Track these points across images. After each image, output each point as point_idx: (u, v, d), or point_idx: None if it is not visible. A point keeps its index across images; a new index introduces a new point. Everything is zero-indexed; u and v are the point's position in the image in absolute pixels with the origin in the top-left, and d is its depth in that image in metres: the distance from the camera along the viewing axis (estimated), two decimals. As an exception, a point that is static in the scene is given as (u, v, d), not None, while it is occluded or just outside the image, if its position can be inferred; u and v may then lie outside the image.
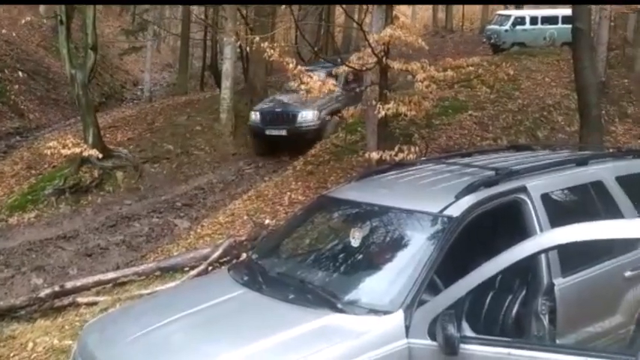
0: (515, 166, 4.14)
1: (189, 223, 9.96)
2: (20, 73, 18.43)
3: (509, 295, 3.70)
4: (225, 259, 7.04)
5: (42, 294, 6.70)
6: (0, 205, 10.86)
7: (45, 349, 5.51)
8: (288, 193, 9.45)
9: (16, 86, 18.03)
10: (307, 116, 12.70)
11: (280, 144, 12.88)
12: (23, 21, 18.98)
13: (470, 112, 11.77)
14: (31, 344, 5.65)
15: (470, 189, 3.72)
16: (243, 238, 7.48)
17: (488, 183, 3.80)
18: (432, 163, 4.79)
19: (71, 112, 15.89)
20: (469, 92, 12.46)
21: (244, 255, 6.60)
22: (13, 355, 5.52)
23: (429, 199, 3.85)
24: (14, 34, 20.77)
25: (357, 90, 11.82)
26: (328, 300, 3.41)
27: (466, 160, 4.70)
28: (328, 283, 3.70)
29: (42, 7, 23.43)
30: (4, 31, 19.78)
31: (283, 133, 12.67)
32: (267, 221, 8.17)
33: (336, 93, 11.93)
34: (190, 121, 14.35)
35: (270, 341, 3.13)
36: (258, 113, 13.14)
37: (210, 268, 6.88)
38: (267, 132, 12.81)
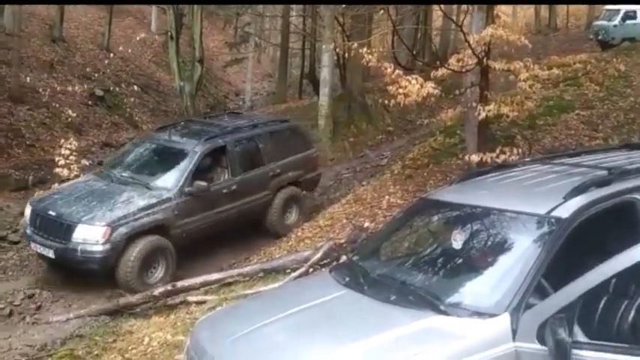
0: (629, 166, 3.94)
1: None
2: (135, 87, 19.68)
3: (624, 301, 3.52)
4: (325, 261, 7.15)
5: (156, 292, 7.10)
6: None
7: (159, 343, 5.85)
8: (387, 197, 9.42)
9: (131, 99, 19.25)
10: (88, 233, 7.58)
11: (52, 268, 8.12)
12: (138, 38, 20.31)
13: (577, 111, 11.24)
14: (147, 339, 6.01)
15: (580, 189, 3.57)
16: (343, 241, 7.56)
17: (601, 183, 3.64)
18: (537, 164, 4.65)
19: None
20: (575, 91, 11.90)
21: (344, 257, 6.68)
22: (131, 349, 5.90)
23: (535, 201, 3.74)
24: (129, 51, 22.21)
25: (213, 188, 8.53)
26: (430, 301, 3.39)
27: (575, 159, 4.51)
28: (430, 284, 3.68)
29: (153, 25, 24.96)
30: (120, 48, 21.20)
31: (50, 254, 7.76)
32: (366, 224, 8.20)
33: (164, 196, 8.08)
34: (290, 128, 14.63)
35: (372, 341, 3.16)
36: (30, 209, 8.28)
37: (311, 270, 7.02)
38: (33, 245, 8.07)
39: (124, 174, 8.78)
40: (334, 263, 6.46)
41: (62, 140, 10.01)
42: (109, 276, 7.65)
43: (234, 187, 8.95)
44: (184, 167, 8.47)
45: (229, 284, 7.21)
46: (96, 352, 5.94)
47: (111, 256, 7.61)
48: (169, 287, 7.14)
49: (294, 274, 7.01)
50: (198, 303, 6.79)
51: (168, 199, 8.17)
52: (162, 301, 7.05)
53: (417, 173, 10.07)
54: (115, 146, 15.82)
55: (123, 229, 7.67)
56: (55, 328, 6.65)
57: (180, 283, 7.25)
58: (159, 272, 7.95)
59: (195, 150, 8.63)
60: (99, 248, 7.56)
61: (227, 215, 8.82)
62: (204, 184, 8.40)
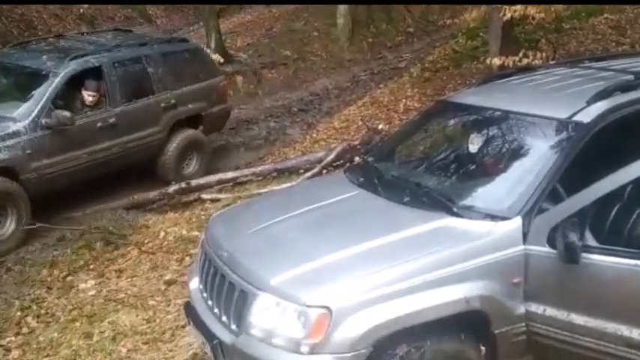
0: (657, 71, 3.79)
1: (305, 127, 10.14)
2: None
3: (638, 208, 3.50)
4: (338, 162, 7.19)
5: (171, 190, 7.22)
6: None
7: (175, 238, 6.00)
8: (404, 100, 9.30)
9: (145, -9, 18.65)
10: None
11: None
12: None
13: (605, 15, 10.79)
14: (162, 233, 6.16)
15: (604, 94, 3.47)
16: (357, 143, 7.55)
17: (626, 87, 3.52)
18: (562, 67, 4.49)
19: (194, 18, 16.31)
20: (607, -7, 11.38)
21: (357, 159, 6.69)
22: (148, 242, 6.06)
23: (556, 104, 3.65)
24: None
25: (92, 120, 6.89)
26: (444, 203, 3.39)
27: (600, 64, 4.35)
28: (444, 187, 3.68)
29: None
30: None
31: None
32: (381, 127, 8.16)
33: (10, 129, 6.35)
34: (307, 26, 14.27)
35: (385, 240, 3.19)
36: None
37: (324, 171, 7.06)
38: None
39: None
40: (347, 164, 6.47)
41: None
42: None
43: (112, 119, 7.13)
44: (41, 93, 6.58)
45: (243, 183, 7.30)
46: (113, 244, 6.12)
47: None
48: (184, 185, 7.24)
49: (306, 175, 7.06)
50: (213, 201, 6.90)
51: (17, 133, 6.36)
52: (176, 198, 7.17)
53: (436, 76, 9.89)
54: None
55: None
56: (73, 221, 6.81)
57: (194, 182, 7.35)
58: (7, 226, 6.28)
59: (57, 71, 6.77)
60: None
61: (104, 156, 7.09)
62: (66, 114, 6.55)
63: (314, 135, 9.20)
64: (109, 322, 4.74)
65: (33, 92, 6.64)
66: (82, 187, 6.95)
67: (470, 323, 3.08)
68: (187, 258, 5.55)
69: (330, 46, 13.51)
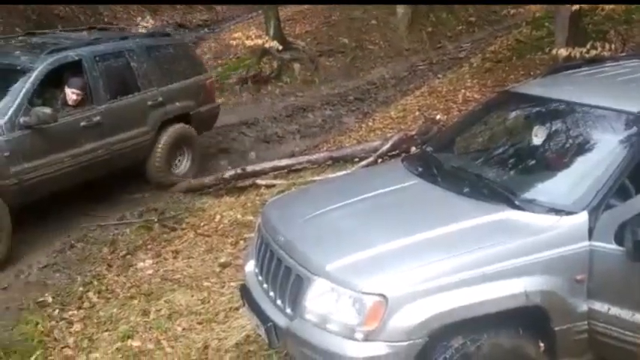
0: None
1: (361, 116, 10.09)
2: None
3: None
4: (394, 152, 7.11)
5: (227, 175, 7.30)
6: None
7: (230, 221, 6.09)
8: (463, 91, 9.12)
9: (205, -21, 18.86)
10: None
11: None
12: None
13: (680, 6, 10.29)
14: (218, 217, 6.26)
15: (678, 87, 3.32)
16: (414, 133, 7.45)
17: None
18: (632, 60, 4.32)
19: (252, 6, 16.43)
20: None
21: (414, 149, 6.61)
22: (203, 225, 6.17)
23: (628, 98, 3.53)
24: None
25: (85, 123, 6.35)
26: (506, 196, 3.31)
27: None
28: (506, 179, 3.60)
29: None
30: None
31: None
32: (438, 117, 8.03)
33: None
34: (366, 14, 14.15)
35: (444, 230, 3.15)
36: None
37: (379, 160, 7.00)
38: None
39: None
40: (404, 154, 6.40)
41: (139, 18, 10.05)
42: None
43: (97, 118, 6.52)
44: (16, 90, 5.94)
45: (298, 170, 7.30)
46: (170, 226, 6.25)
47: None
48: (239, 171, 7.31)
49: (362, 163, 7.02)
50: (268, 186, 6.94)
51: None
52: (232, 183, 7.23)
53: (497, 67, 9.65)
54: (189, 27, 15.81)
55: None
56: (133, 202, 7.00)
57: (250, 167, 7.40)
58: None
59: (34, 65, 6.14)
60: None
61: (90, 159, 6.45)
62: (47, 111, 5.93)
63: (370, 124, 9.14)
64: (165, 301, 4.85)
65: (8, 90, 5.99)
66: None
67: (529, 318, 3.00)
68: (242, 242, 5.62)
69: (389, 35, 13.36)
